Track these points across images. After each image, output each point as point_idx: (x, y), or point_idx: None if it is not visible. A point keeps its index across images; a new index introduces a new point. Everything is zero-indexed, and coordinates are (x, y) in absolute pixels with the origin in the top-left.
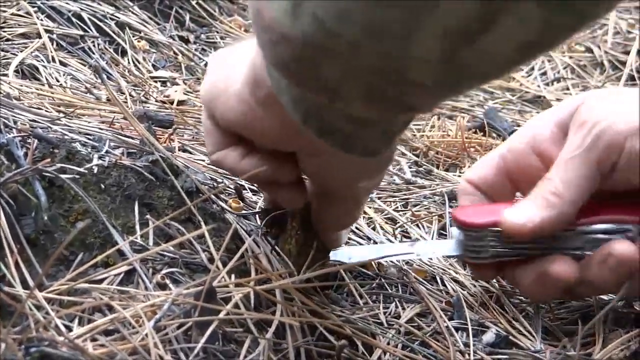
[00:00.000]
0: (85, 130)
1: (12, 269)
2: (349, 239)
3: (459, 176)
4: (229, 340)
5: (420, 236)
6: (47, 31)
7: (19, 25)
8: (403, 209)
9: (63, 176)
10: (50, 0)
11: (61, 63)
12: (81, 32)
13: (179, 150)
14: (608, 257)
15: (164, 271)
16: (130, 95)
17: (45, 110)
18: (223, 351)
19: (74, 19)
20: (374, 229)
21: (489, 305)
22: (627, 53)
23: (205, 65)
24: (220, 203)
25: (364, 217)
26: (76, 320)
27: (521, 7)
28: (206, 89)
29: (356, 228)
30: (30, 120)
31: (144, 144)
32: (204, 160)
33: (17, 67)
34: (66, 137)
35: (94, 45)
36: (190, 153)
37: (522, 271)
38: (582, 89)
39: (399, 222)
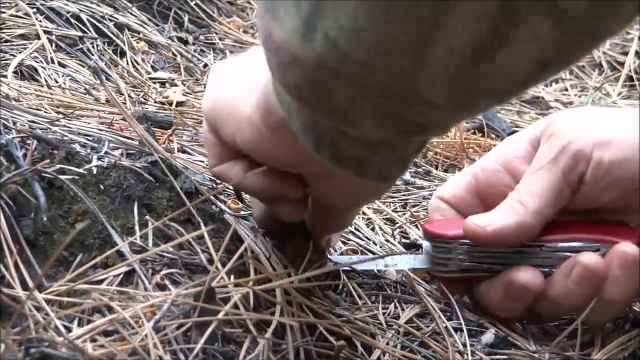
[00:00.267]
0: (84, 131)
1: (11, 269)
2: (348, 239)
3: None
4: (228, 341)
5: (419, 237)
6: (46, 32)
7: (17, 26)
8: (402, 209)
9: (62, 177)
10: (49, 2)
11: (60, 64)
12: (80, 34)
13: (178, 151)
14: (574, 267)
15: (163, 272)
16: (129, 96)
17: (45, 111)
18: (222, 352)
19: (72, 20)
20: (372, 229)
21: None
22: (626, 54)
23: (205, 66)
24: (220, 204)
25: (363, 217)
26: (76, 321)
27: (536, 25)
28: (210, 104)
29: (355, 229)
30: (29, 121)
31: (143, 145)
32: (203, 162)
33: (16, 68)
34: (65, 138)
35: (92, 47)
36: (190, 154)
37: (489, 284)
38: (580, 90)
39: (397, 223)
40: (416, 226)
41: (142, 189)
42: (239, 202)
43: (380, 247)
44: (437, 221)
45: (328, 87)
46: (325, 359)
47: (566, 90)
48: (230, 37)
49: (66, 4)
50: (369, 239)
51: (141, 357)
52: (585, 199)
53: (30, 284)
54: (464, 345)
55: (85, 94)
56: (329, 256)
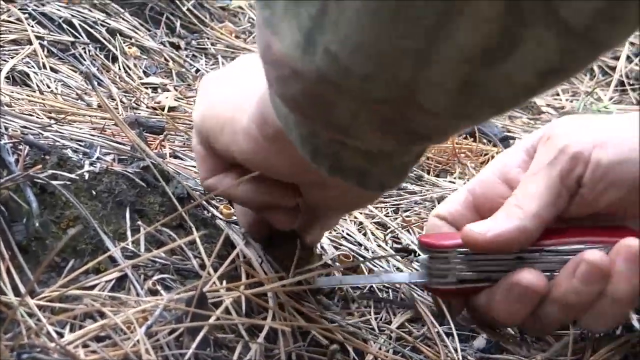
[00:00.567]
0: (76, 137)
1: (3, 275)
2: (340, 244)
3: (450, 182)
4: (221, 346)
5: (411, 242)
6: (38, 38)
7: (9, 31)
8: (394, 214)
9: (54, 182)
10: (41, 7)
11: (52, 69)
12: (72, 39)
13: (170, 156)
14: (578, 265)
15: (155, 277)
16: (121, 101)
17: (37, 117)
18: (214, 357)
19: (64, 26)
20: (364, 234)
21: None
22: (617, 59)
23: (197, 71)
24: (212, 209)
25: (354, 222)
26: (68, 327)
27: (540, 34)
28: (202, 115)
29: (347, 234)
30: (21, 127)
31: (135, 150)
32: (195, 167)
33: (8, 73)
34: (57, 143)
35: (84, 52)
36: (182, 159)
37: (490, 292)
38: (572, 95)
39: (390, 228)
40: (408, 231)
41: (134, 195)
42: (231, 207)
43: (372, 253)
44: (433, 234)
45: (328, 101)
46: None
47: (558, 95)
48: (222, 43)
49: (58, 9)
50: (361, 244)
51: None
52: (584, 202)
53: (22, 289)
54: (456, 350)
55: (77, 100)
56: (318, 279)
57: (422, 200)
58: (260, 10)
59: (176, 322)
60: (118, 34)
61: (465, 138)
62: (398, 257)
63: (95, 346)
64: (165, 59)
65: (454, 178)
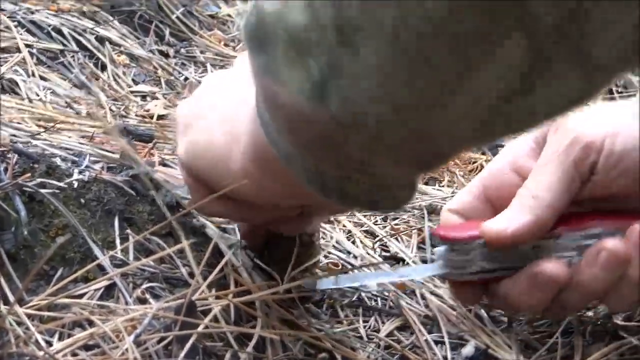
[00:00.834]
0: (65, 145)
1: None
2: (329, 252)
3: (438, 190)
4: (209, 355)
5: (400, 250)
6: (27, 46)
7: None
8: (382, 222)
9: (43, 191)
10: (30, 15)
11: (41, 77)
12: (61, 47)
13: (159, 164)
14: (600, 252)
15: (144, 286)
16: (110, 109)
17: (25, 125)
18: None
19: (53, 34)
20: (353, 242)
21: (468, 318)
22: None
23: (185, 79)
24: (201, 217)
25: (343, 231)
26: (56, 335)
27: (567, 73)
28: (188, 153)
29: (336, 242)
30: (10, 135)
31: (124, 158)
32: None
33: None
34: (46, 152)
35: (73, 60)
36: (171, 167)
37: (511, 281)
38: None
39: (378, 236)
40: (397, 239)
41: (123, 203)
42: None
43: (361, 260)
44: (449, 226)
45: (340, 142)
46: None
47: None
48: (212, 51)
49: (47, 17)
50: (350, 252)
51: None
52: (596, 188)
53: (11, 298)
54: (445, 358)
55: (66, 108)
56: (334, 280)
57: (410, 208)
58: (254, 56)
59: (165, 330)
60: (107, 42)
61: None
62: (387, 265)
63: (83, 355)
64: (154, 67)
65: (442, 186)
